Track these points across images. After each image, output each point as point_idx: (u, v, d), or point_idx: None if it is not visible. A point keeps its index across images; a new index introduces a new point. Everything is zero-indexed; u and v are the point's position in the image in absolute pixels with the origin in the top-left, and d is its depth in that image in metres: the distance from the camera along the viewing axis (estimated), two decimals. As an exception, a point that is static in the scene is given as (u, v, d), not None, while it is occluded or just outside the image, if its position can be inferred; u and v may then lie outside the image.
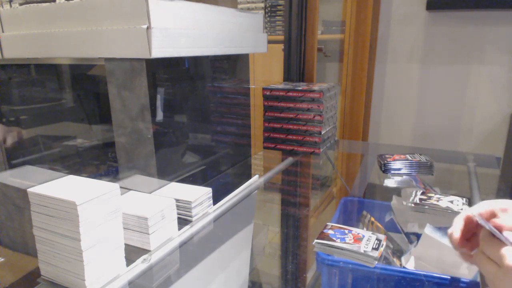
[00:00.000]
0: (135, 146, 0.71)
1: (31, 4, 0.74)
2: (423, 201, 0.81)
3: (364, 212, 0.86)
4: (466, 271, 0.65)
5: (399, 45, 2.01)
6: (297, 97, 1.14)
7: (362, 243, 0.65)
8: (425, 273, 0.61)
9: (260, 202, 1.00)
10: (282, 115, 1.18)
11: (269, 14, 2.11)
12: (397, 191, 0.91)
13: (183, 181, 0.80)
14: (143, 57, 0.63)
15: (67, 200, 0.46)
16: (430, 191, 0.87)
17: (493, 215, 0.47)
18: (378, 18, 2.01)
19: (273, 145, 1.22)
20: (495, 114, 1.88)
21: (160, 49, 0.63)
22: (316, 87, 1.17)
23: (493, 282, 0.42)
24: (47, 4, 0.72)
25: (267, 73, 1.99)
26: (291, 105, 1.15)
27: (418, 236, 0.79)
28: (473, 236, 0.50)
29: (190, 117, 0.86)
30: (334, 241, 0.66)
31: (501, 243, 0.42)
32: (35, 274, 0.53)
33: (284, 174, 1.12)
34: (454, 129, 1.97)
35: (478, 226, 0.48)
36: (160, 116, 0.72)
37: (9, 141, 0.85)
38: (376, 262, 0.62)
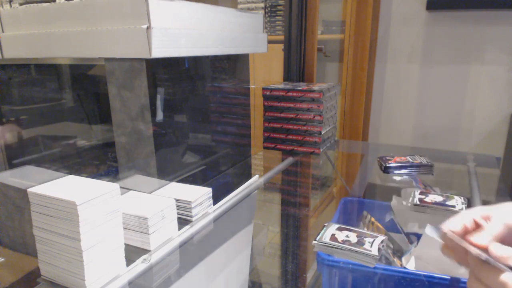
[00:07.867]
0: (135, 146, 0.71)
1: (31, 4, 0.74)
2: (423, 201, 0.81)
3: (365, 213, 0.86)
4: (466, 271, 0.65)
5: (399, 45, 2.01)
6: (297, 97, 1.14)
7: (364, 243, 0.65)
8: (425, 273, 0.61)
9: (260, 202, 1.00)
10: (282, 115, 1.18)
11: (269, 14, 2.11)
12: (397, 191, 0.91)
13: (183, 181, 0.80)
14: (143, 57, 0.63)
15: (67, 200, 0.46)
16: (430, 191, 0.87)
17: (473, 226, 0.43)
18: (378, 18, 2.01)
19: (273, 145, 1.21)
20: (495, 114, 1.88)
21: (160, 49, 0.63)
22: (316, 87, 1.17)
23: None
24: (47, 4, 0.72)
25: (267, 73, 1.99)
26: (291, 105, 1.15)
27: (418, 236, 0.78)
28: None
29: (190, 117, 0.86)
30: (334, 241, 0.66)
31: (496, 268, 0.38)
32: (35, 274, 0.53)
33: (284, 174, 1.12)
34: (454, 129, 1.97)
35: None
36: (160, 116, 0.72)
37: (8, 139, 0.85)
38: (376, 262, 0.61)
